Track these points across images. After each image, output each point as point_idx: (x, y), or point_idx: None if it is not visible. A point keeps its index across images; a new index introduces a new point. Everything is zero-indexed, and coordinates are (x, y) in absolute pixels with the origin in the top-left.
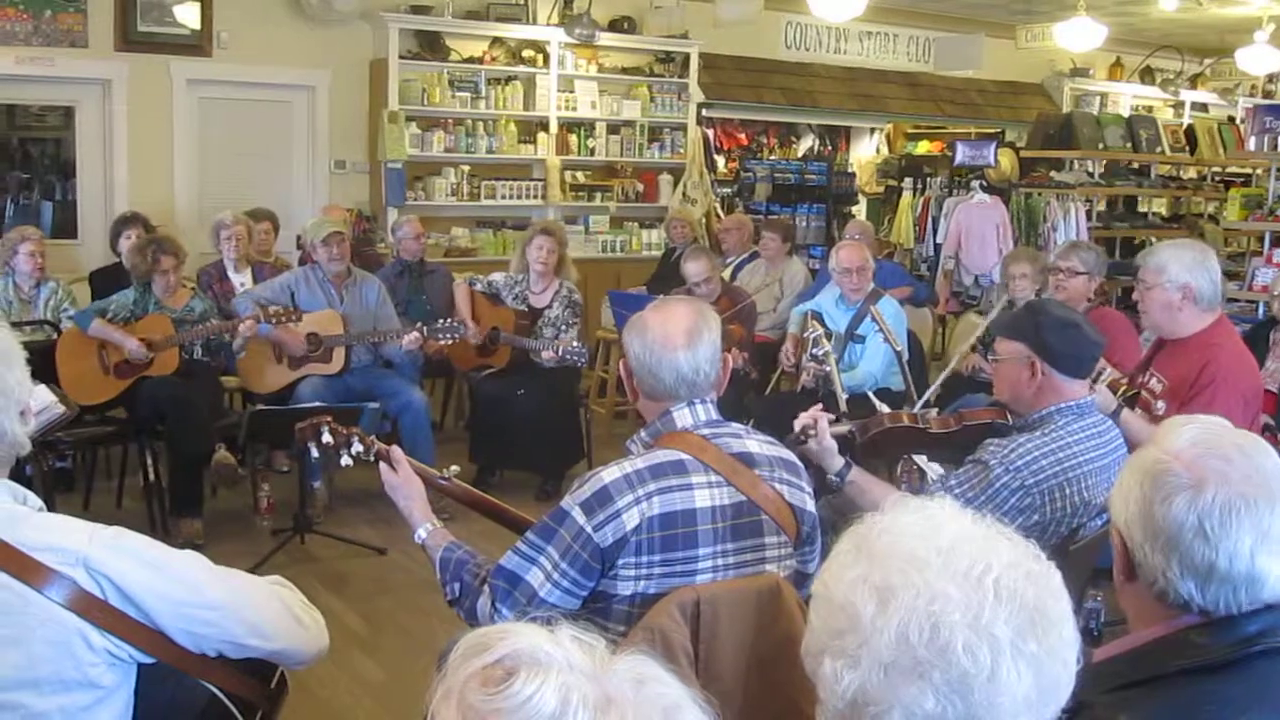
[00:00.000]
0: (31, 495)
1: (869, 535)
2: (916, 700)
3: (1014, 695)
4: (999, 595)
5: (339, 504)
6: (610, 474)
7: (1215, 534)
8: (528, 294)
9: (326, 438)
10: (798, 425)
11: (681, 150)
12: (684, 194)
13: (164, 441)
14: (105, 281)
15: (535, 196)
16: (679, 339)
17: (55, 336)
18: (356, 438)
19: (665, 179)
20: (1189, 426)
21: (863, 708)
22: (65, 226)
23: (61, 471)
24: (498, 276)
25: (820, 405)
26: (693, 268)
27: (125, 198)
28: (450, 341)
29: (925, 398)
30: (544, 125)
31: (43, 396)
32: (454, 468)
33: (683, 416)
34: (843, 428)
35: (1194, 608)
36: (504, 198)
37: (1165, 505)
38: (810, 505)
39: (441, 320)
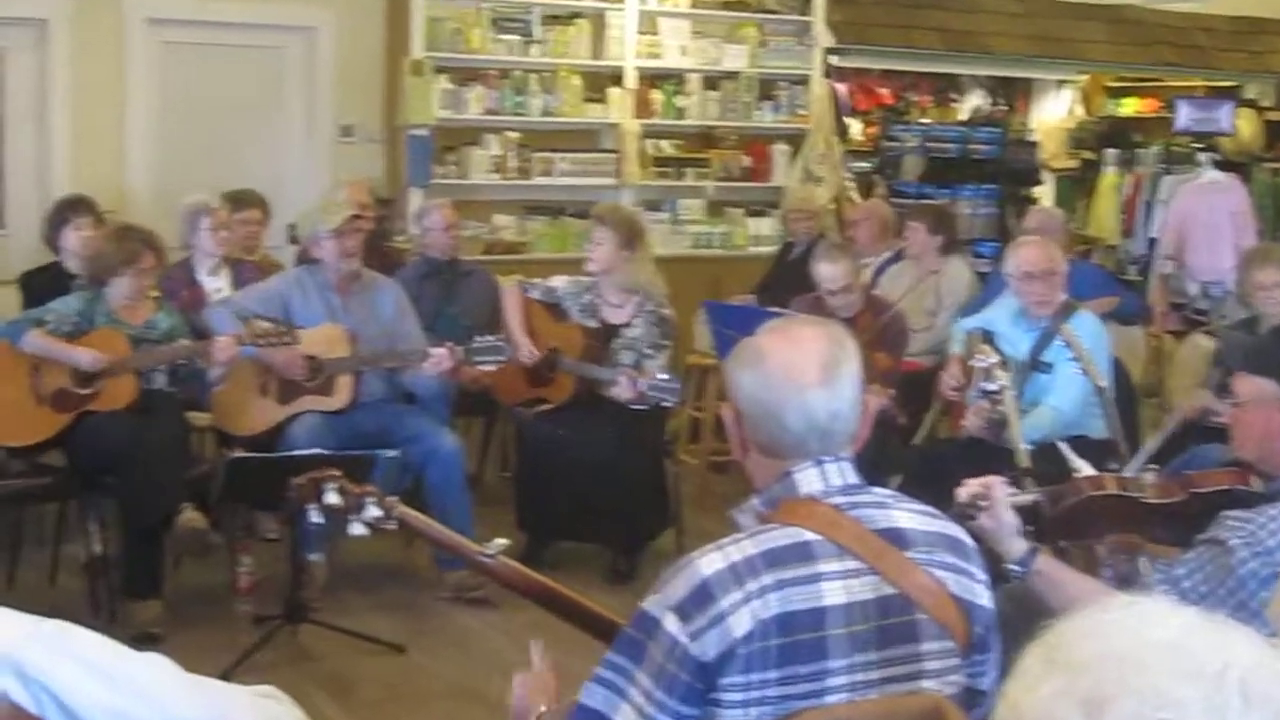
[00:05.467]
0: None
1: (1062, 643)
2: None
3: None
4: (1247, 698)
5: (342, 584)
6: (710, 563)
7: None
8: (600, 305)
9: (332, 498)
10: (964, 494)
11: (803, 111)
12: (806, 171)
13: (113, 498)
14: (42, 286)
15: (606, 174)
16: (812, 373)
17: None
18: (372, 499)
19: (780, 150)
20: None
21: None
22: None
23: None
24: (560, 281)
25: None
26: (828, 271)
27: (65, 175)
28: (493, 367)
29: (1146, 453)
30: (617, 78)
31: None
32: (500, 541)
33: (809, 480)
34: (1027, 497)
35: None
36: (564, 175)
37: None
38: (985, 599)
39: (481, 337)
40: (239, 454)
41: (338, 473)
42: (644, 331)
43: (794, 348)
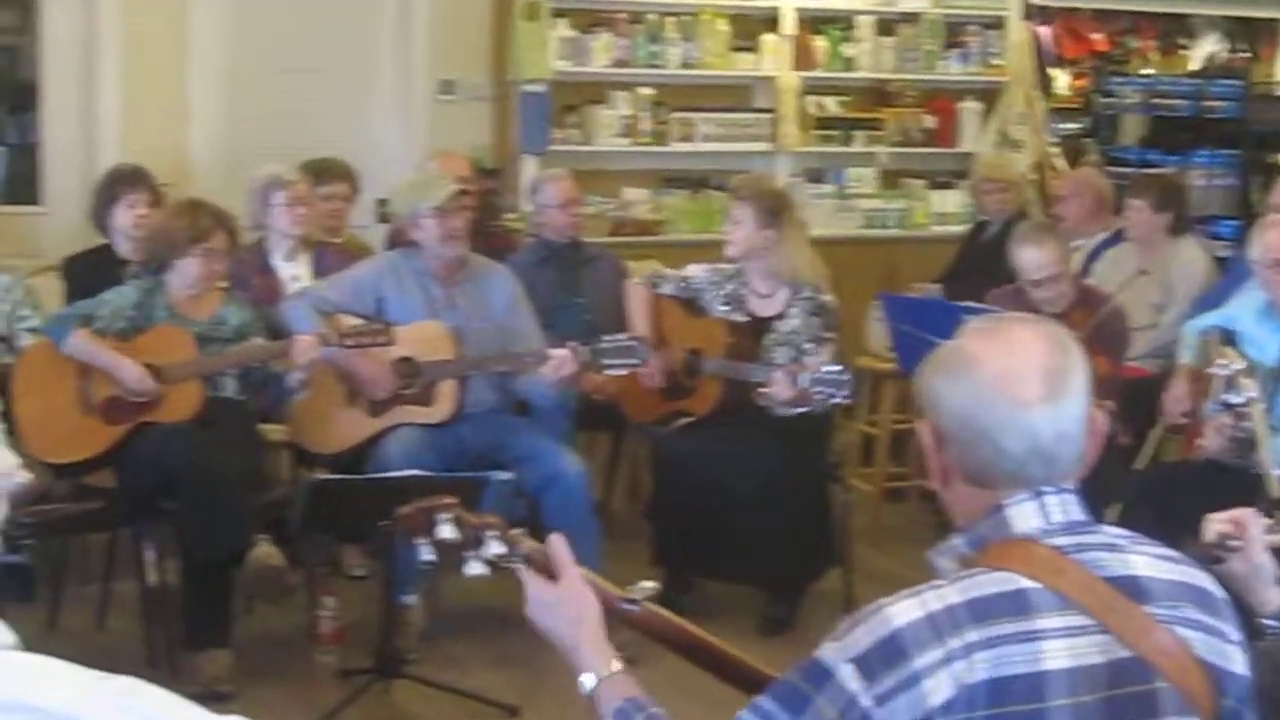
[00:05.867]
0: (1, 625)
1: None
2: None
3: None
4: None
5: (444, 632)
6: (904, 611)
7: None
8: (747, 296)
9: (447, 532)
10: (1211, 532)
11: (998, 61)
12: (1001, 133)
13: (173, 527)
14: (88, 273)
15: (758, 138)
16: (1034, 386)
17: (9, 360)
18: (494, 532)
19: (970, 109)
20: None
21: None
22: (22, 187)
23: (14, 570)
24: (697, 270)
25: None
26: (1032, 256)
27: (116, 143)
28: (625, 371)
29: None
30: (772, 22)
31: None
32: (648, 584)
33: (1025, 515)
34: None
35: None
36: (707, 140)
37: None
38: (1239, 664)
39: (609, 338)
40: (322, 475)
41: (453, 500)
42: (801, 323)
43: (1010, 353)
